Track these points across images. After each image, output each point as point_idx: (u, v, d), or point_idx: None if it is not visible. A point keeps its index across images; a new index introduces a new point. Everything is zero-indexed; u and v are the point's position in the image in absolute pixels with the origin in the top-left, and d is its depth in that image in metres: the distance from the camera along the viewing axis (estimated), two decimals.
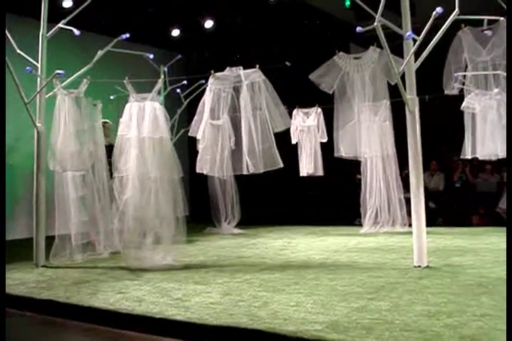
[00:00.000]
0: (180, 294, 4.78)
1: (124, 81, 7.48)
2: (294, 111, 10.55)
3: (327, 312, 3.92)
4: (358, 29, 5.53)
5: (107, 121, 8.45)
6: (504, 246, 7.07)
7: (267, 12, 11.39)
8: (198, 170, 9.48)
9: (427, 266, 5.59)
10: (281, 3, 10.66)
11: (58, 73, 6.68)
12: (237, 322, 3.79)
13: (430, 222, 8.50)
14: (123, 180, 6.66)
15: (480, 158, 9.14)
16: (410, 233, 5.83)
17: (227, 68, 9.40)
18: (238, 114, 9.21)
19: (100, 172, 7.69)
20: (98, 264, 6.77)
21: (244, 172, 9.26)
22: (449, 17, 5.32)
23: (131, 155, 6.67)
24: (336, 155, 9.80)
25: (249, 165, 9.06)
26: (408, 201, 6.04)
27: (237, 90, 9.31)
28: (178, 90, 10.28)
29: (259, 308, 4.13)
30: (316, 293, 4.60)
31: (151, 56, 7.80)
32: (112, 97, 9.23)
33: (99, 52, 7.01)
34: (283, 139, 9.89)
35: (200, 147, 9.41)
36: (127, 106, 7.00)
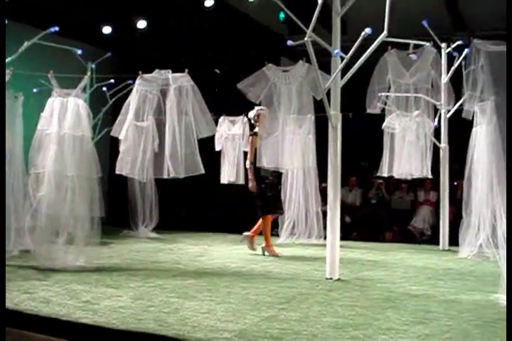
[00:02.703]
0: (89, 297, 4.68)
1: (49, 75, 7.29)
2: (220, 119, 10.58)
3: (237, 321, 3.93)
4: (289, 42, 5.62)
5: (263, 108, 8.31)
6: (413, 262, 7.34)
7: (202, 18, 11.39)
8: (117, 171, 9.34)
9: (339, 279, 5.70)
10: (218, 10, 10.68)
11: None
12: (145, 327, 3.74)
13: (345, 236, 8.74)
14: (39, 176, 6.47)
15: (396, 177, 9.48)
16: (325, 245, 5.94)
17: (156, 70, 9.34)
18: (163, 117, 9.16)
19: (16, 168, 7.43)
20: (6, 262, 6.50)
21: (165, 176, 9.19)
22: (377, 38, 5.48)
23: (50, 151, 6.50)
24: (257, 165, 9.85)
25: (170, 170, 9.01)
26: (325, 214, 6.16)
27: (164, 93, 9.27)
28: (105, 88, 10.10)
29: (168, 314, 4.10)
30: (228, 301, 4.61)
31: (79, 51, 7.64)
32: (34, 90, 8.97)
33: (26, 44, 6.81)
34: (207, 146, 9.90)
35: (122, 148, 9.28)
36: (49, 100, 6.82)
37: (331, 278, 5.69)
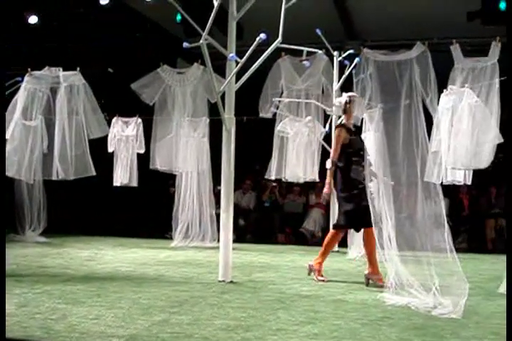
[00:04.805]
0: None
1: None
2: (114, 119, 10.35)
3: (127, 326, 3.86)
4: (185, 45, 5.61)
5: (355, 94, 6.63)
6: (304, 264, 7.48)
7: (97, 16, 11.12)
8: None
9: (231, 281, 5.73)
10: (114, 8, 10.45)
11: None
12: (30, 335, 3.59)
13: (239, 239, 8.82)
14: None
15: (288, 180, 9.69)
16: (219, 248, 5.96)
17: (46, 67, 9.05)
18: (53, 117, 8.89)
19: None
20: None
21: (54, 178, 8.92)
22: (272, 44, 5.58)
23: None
24: (151, 167, 9.79)
25: (60, 171, 8.75)
26: (219, 217, 6.18)
27: (54, 91, 8.99)
28: None
29: (56, 321, 3.95)
30: (118, 305, 4.52)
31: None
32: None
33: None
34: (99, 147, 9.67)
35: (8, 148, 8.91)
36: None
37: (223, 281, 5.71)
